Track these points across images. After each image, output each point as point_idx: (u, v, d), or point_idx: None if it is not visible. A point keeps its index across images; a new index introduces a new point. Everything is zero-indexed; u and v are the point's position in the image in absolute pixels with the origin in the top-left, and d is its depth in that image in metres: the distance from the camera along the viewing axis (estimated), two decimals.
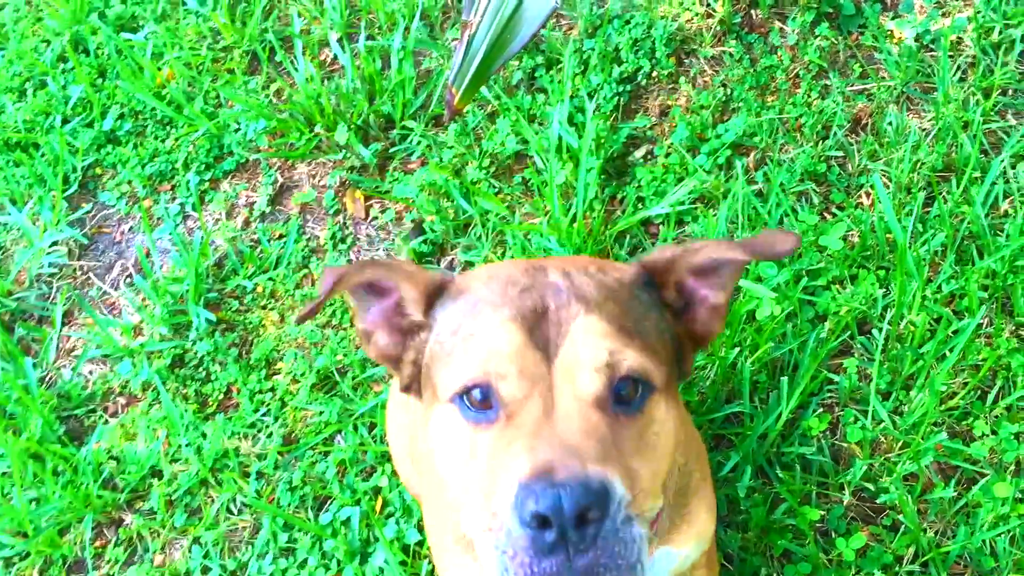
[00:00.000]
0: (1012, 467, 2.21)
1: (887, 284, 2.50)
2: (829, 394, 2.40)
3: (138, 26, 3.60)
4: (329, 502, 2.43)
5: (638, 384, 1.19)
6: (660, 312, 1.30)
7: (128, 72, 3.34)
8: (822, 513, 2.20)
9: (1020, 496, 2.13)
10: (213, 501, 2.49)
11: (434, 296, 1.32)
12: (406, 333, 1.35)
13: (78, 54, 3.49)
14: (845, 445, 2.31)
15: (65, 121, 3.32)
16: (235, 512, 2.47)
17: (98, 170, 3.25)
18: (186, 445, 2.54)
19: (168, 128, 3.28)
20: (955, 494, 2.17)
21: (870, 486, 2.23)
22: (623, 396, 1.18)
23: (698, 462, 1.62)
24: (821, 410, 2.36)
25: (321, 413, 2.54)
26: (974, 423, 2.26)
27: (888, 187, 2.70)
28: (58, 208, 3.10)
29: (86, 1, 3.59)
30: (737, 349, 2.39)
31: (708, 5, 3.30)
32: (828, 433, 2.34)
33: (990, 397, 2.30)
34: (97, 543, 2.49)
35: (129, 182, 3.15)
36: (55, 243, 3.05)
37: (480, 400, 1.18)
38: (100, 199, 3.19)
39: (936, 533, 2.17)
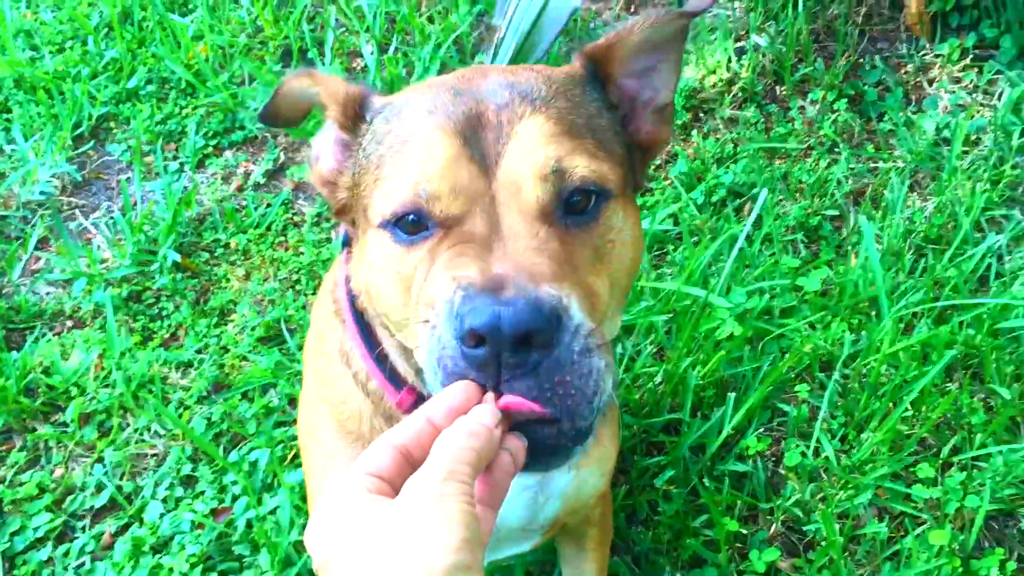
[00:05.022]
0: (952, 518, 2.05)
1: (859, 332, 2.40)
2: (778, 426, 2.28)
3: (188, 11, 3.73)
4: (243, 444, 2.33)
5: (591, 193, 1.08)
6: (612, 112, 1.20)
7: (167, 45, 3.45)
8: (744, 532, 2.05)
9: (957, 549, 1.97)
10: (128, 425, 2.41)
11: (355, 110, 1.23)
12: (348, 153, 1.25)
13: (123, 25, 3.61)
14: (782, 472, 2.18)
15: (94, 76, 3.42)
16: (145, 438, 2.38)
17: (111, 124, 3.30)
18: (117, 369, 2.48)
19: (189, 98, 3.35)
20: (889, 535, 2.01)
21: (800, 513, 2.08)
22: (574, 205, 1.07)
23: None
24: (763, 432, 2.23)
25: (259, 364, 2.48)
26: (919, 468, 2.12)
27: (879, 247, 2.63)
28: (63, 144, 3.15)
29: None
30: (689, 359, 2.29)
31: (734, 72, 3.33)
32: (768, 459, 2.21)
33: (944, 451, 2.17)
34: (3, 447, 2.40)
35: (137, 137, 3.19)
36: (52, 176, 3.09)
37: (414, 223, 1.08)
38: (106, 149, 3.24)
39: (863, 575, 2.00)
